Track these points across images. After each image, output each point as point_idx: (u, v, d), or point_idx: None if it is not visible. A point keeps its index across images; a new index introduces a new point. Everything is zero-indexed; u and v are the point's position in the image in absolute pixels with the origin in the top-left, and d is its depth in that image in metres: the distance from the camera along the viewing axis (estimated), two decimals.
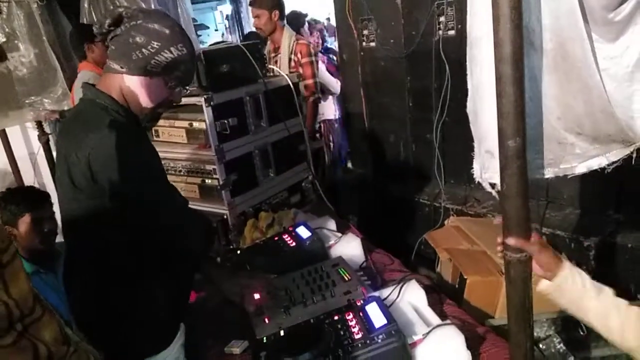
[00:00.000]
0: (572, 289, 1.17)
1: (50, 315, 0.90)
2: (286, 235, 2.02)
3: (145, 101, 1.43)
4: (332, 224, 2.23)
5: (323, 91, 3.97)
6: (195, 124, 2.24)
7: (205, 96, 2.11)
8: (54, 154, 3.73)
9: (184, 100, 2.17)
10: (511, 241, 1.19)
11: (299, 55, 3.22)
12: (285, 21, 3.33)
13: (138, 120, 1.46)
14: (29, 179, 3.82)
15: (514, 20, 1.08)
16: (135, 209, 1.35)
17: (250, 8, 3.51)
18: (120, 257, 1.39)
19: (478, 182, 1.55)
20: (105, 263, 1.40)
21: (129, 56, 1.36)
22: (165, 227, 1.43)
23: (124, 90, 1.41)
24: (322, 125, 4.05)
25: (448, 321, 1.42)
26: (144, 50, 1.36)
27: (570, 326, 1.86)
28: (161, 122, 2.35)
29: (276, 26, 3.28)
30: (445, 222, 2.77)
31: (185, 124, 2.28)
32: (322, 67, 3.94)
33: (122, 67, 1.38)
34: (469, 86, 1.40)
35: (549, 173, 1.32)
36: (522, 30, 1.09)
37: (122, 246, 1.39)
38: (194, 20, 5.72)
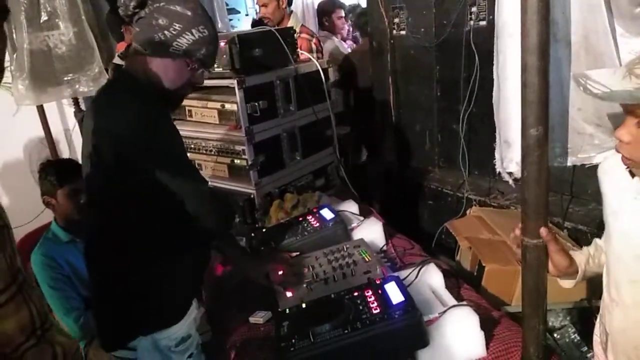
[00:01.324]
0: (586, 272, 1.24)
1: (21, 302, 0.84)
2: (310, 216, 2.09)
3: (168, 82, 1.46)
4: (354, 208, 2.29)
5: None
6: (227, 106, 2.32)
7: (237, 79, 2.17)
8: None
9: (217, 82, 2.25)
10: (543, 232, 1.21)
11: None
12: (291, 7, 3.25)
13: (161, 101, 1.49)
14: (64, 154, 3.97)
15: (541, 11, 1.11)
16: (156, 187, 1.38)
17: None
18: (138, 234, 1.43)
19: (500, 173, 1.58)
20: (124, 239, 1.45)
21: (152, 38, 1.40)
22: (183, 206, 1.44)
23: (147, 72, 1.44)
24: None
25: (464, 302, 1.47)
26: (166, 32, 1.39)
27: (585, 316, 1.89)
28: (194, 102, 2.46)
29: (284, 14, 3.23)
30: (467, 212, 2.80)
31: (218, 105, 2.36)
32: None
33: (145, 49, 1.42)
34: (494, 76, 1.43)
35: (567, 162, 1.35)
36: (548, 21, 1.13)
37: (140, 223, 1.43)
38: (226, 4, 5.78)
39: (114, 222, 1.46)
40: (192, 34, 1.41)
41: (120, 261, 1.45)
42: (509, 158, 1.40)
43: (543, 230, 1.21)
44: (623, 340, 1.18)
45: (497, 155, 1.51)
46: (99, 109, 1.45)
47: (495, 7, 1.36)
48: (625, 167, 1.11)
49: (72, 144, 4.12)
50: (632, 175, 1.10)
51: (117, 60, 3.09)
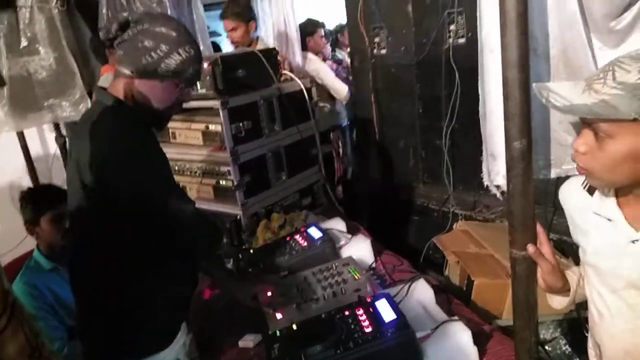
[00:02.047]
0: (577, 294, 1.26)
1: (16, 327, 0.82)
2: (298, 236, 2.08)
3: (157, 103, 1.46)
4: (342, 226, 2.29)
5: (333, 97, 4.05)
6: (211, 127, 2.32)
7: (221, 100, 2.18)
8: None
9: (201, 104, 2.25)
10: (530, 249, 1.20)
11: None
12: (258, 32, 3.22)
13: (147, 123, 1.49)
14: (44, 181, 3.91)
15: (520, 26, 1.13)
16: (142, 211, 1.37)
17: (224, 21, 3.27)
18: (124, 257, 1.41)
19: (487, 187, 1.59)
20: (110, 263, 1.42)
21: (139, 61, 1.39)
22: (170, 229, 1.43)
23: (135, 94, 1.43)
24: (331, 131, 4.10)
25: (456, 317, 1.46)
26: (153, 54, 1.39)
27: (575, 328, 1.90)
28: (178, 124, 2.45)
29: (252, 39, 3.20)
30: (454, 226, 2.81)
31: (202, 126, 2.36)
32: (330, 73, 4.00)
33: (132, 72, 1.41)
34: (479, 90, 1.45)
35: (552, 174, 1.37)
36: (527, 36, 1.15)
37: (126, 247, 1.41)
38: (207, 27, 5.81)
39: (99, 246, 1.44)
40: (179, 54, 1.41)
41: (106, 285, 1.43)
42: (496, 171, 1.41)
43: (530, 247, 1.21)
44: (614, 348, 1.19)
45: (484, 168, 1.53)
46: (84, 133, 1.42)
47: (477, 23, 1.39)
48: (583, 186, 1.15)
49: (53, 169, 4.07)
50: (591, 193, 1.13)
51: (102, 82, 3.07)
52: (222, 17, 3.25)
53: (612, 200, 1.09)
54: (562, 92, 0.99)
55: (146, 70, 1.40)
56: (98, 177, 1.35)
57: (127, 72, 1.42)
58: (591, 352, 1.33)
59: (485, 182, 1.53)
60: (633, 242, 1.04)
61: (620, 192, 1.07)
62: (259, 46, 3.17)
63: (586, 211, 1.15)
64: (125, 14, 1.44)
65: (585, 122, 1.00)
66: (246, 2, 3.27)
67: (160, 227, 1.40)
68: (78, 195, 1.43)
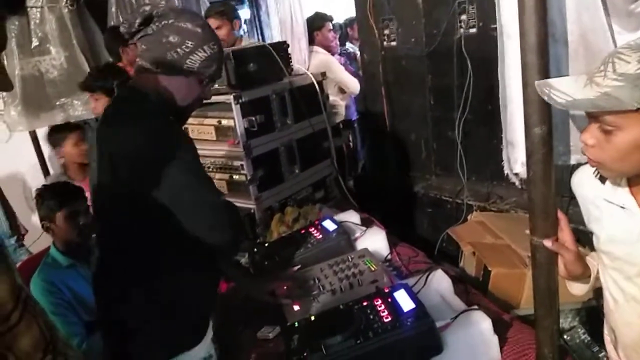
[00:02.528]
0: (598, 279, 1.25)
1: (29, 321, 0.84)
2: (313, 229, 2.08)
3: (181, 100, 1.44)
4: (356, 218, 2.28)
5: (343, 91, 4.03)
6: (224, 122, 2.31)
7: (234, 94, 2.18)
8: None
9: (213, 99, 2.24)
10: (548, 244, 1.20)
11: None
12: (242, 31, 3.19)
13: (174, 117, 1.45)
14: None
15: (538, 12, 1.12)
16: (176, 203, 1.34)
17: (207, 20, 3.17)
18: (158, 251, 1.38)
19: (502, 178, 1.58)
20: (143, 259, 1.39)
21: (164, 56, 1.37)
22: (200, 221, 1.40)
23: (159, 90, 1.41)
24: (341, 125, 4.09)
25: (475, 307, 1.46)
26: (179, 50, 1.37)
27: (594, 317, 1.88)
28: (191, 120, 2.43)
29: (236, 38, 3.16)
30: (468, 217, 2.80)
31: (214, 121, 2.35)
32: (340, 67, 3.99)
33: (157, 68, 1.39)
34: (499, 78, 1.44)
35: (572, 160, 1.35)
36: (546, 21, 1.13)
37: (161, 241, 1.38)
38: None
39: (132, 243, 1.40)
40: (204, 50, 1.40)
41: (137, 281, 1.40)
42: (514, 159, 1.40)
43: (546, 242, 1.21)
44: (628, 333, 1.18)
45: (504, 157, 1.52)
46: (113, 128, 1.40)
47: (488, 13, 1.37)
48: (594, 174, 1.15)
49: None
50: (603, 181, 1.14)
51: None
52: (206, 16, 3.20)
53: (625, 188, 1.09)
54: (563, 88, 1.00)
55: (171, 66, 1.38)
56: (133, 170, 1.31)
57: (151, 67, 1.39)
58: (607, 337, 1.33)
59: (506, 171, 1.52)
60: None
61: (632, 179, 1.08)
62: (244, 44, 3.11)
63: (599, 199, 1.15)
64: (147, 8, 1.39)
65: (591, 116, 1.01)
66: (230, 2, 3.22)
67: (193, 219, 1.37)
68: (109, 191, 1.39)
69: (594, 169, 1.14)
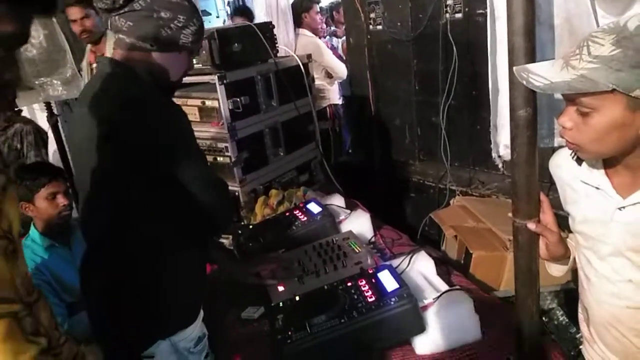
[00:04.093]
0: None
1: (45, 300, 0.89)
2: (297, 211, 2.08)
3: (174, 75, 1.42)
4: (341, 201, 2.29)
5: (330, 75, 4.02)
6: (208, 102, 2.29)
7: (218, 74, 2.15)
8: (62, 134, 3.77)
9: (198, 79, 2.22)
10: (532, 226, 1.23)
11: None
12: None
13: (164, 93, 1.42)
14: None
15: None
16: (172, 178, 1.31)
17: (68, 10, 2.97)
18: (153, 230, 1.35)
19: (483, 164, 1.60)
20: (137, 238, 1.35)
21: (158, 32, 1.34)
22: (196, 197, 1.35)
23: (151, 67, 1.37)
24: (328, 108, 4.09)
25: (457, 287, 1.48)
26: (172, 25, 1.34)
27: (573, 299, 1.92)
28: (174, 100, 2.42)
29: (101, 32, 2.98)
30: (451, 202, 2.83)
31: (198, 102, 2.33)
32: (328, 51, 3.97)
33: (152, 45, 1.35)
34: (489, 62, 1.44)
35: (554, 143, 1.37)
36: (534, 3, 1.14)
37: (155, 219, 1.34)
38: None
39: (126, 223, 1.35)
40: (194, 24, 1.38)
41: (131, 263, 1.36)
42: (496, 142, 1.42)
43: (530, 224, 1.23)
44: (600, 312, 1.22)
45: (492, 140, 1.53)
46: (103, 104, 1.33)
47: None
48: (572, 156, 1.18)
49: (46, 148, 4.02)
50: (579, 163, 1.17)
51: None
52: (67, 4, 2.97)
53: (601, 170, 1.12)
54: (541, 72, 1.02)
55: (167, 42, 1.35)
56: (130, 146, 1.27)
57: (143, 44, 1.35)
58: (580, 316, 1.37)
59: (493, 154, 1.54)
60: (620, 209, 1.07)
61: (607, 161, 1.10)
62: (109, 39, 2.79)
63: (575, 180, 1.18)
64: None
65: (568, 99, 1.03)
66: None
67: (188, 197, 1.34)
68: (99, 169, 1.33)
69: (571, 151, 1.16)
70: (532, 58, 1.15)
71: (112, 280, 1.39)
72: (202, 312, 1.51)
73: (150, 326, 1.38)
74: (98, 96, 1.36)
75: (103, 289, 1.42)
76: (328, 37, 4.50)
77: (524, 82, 1.04)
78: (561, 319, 1.91)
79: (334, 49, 4.30)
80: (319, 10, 4.01)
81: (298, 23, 3.85)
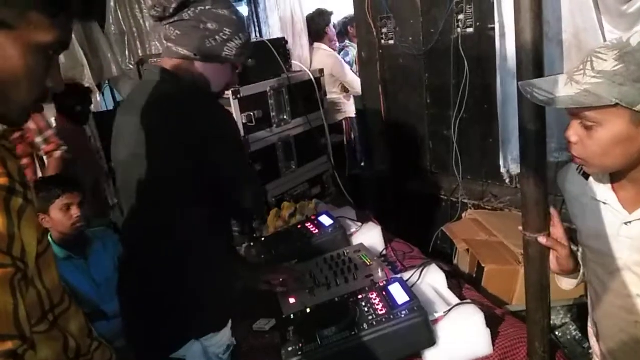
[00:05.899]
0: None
1: (76, 307, 0.91)
2: (309, 224, 2.10)
3: (215, 86, 1.46)
4: (352, 214, 2.30)
5: (346, 90, 4.05)
6: None
7: (232, 89, 2.19)
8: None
9: None
10: (542, 240, 1.23)
11: None
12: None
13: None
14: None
15: (534, 10, 1.14)
16: (217, 179, 1.34)
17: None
18: (197, 233, 1.37)
19: (495, 177, 1.60)
20: (181, 241, 1.35)
21: (202, 43, 1.37)
22: (236, 197, 1.40)
23: (194, 76, 1.41)
24: (344, 122, 4.11)
25: (468, 300, 1.48)
26: (217, 37, 1.37)
27: (585, 314, 1.90)
28: None
29: None
30: (463, 215, 2.82)
31: None
32: (347, 67, 4.00)
33: (195, 55, 1.39)
34: (498, 76, 1.46)
35: (562, 156, 1.38)
36: (542, 19, 1.16)
37: (197, 219, 1.36)
38: None
39: (170, 224, 1.36)
40: (239, 38, 1.41)
41: (171, 264, 1.36)
42: (504, 156, 1.42)
43: (541, 239, 1.23)
44: (609, 326, 1.22)
45: (501, 154, 1.54)
46: (151, 110, 1.35)
47: (487, 12, 1.39)
48: (578, 171, 1.19)
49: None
50: (586, 177, 1.18)
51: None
52: None
53: (607, 184, 1.13)
54: (545, 86, 1.03)
55: (210, 53, 1.39)
56: (186, 147, 1.29)
57: (188, 53, 1.38)
58: (590, 331, 1.36)
59: (502, 168, 1.54)
60: (626, 224, 1.08)
61: (614, 176, 1.11)
62: None
63: (582, 195, 1.19)
64: None
65: (572, 113, 1.04)
66: None
67: (229, 198, 1.38)
68: (144, 172, 1.34)
69: (578, 166, 1.17)
70: (540, 73, 1.16)
71: (147, 279, 1.40)
72: (230, 322, 1.49)
73: (184, 325, 1.37)
74: (149, 103, 1.37)
75: (139, 288, 1.44)
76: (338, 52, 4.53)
77: (529, 97, 1.05)
78: (574, 333, 1.89)
79: (348, 64, 4.33)
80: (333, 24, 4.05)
81: (316, 37, 3.88)
